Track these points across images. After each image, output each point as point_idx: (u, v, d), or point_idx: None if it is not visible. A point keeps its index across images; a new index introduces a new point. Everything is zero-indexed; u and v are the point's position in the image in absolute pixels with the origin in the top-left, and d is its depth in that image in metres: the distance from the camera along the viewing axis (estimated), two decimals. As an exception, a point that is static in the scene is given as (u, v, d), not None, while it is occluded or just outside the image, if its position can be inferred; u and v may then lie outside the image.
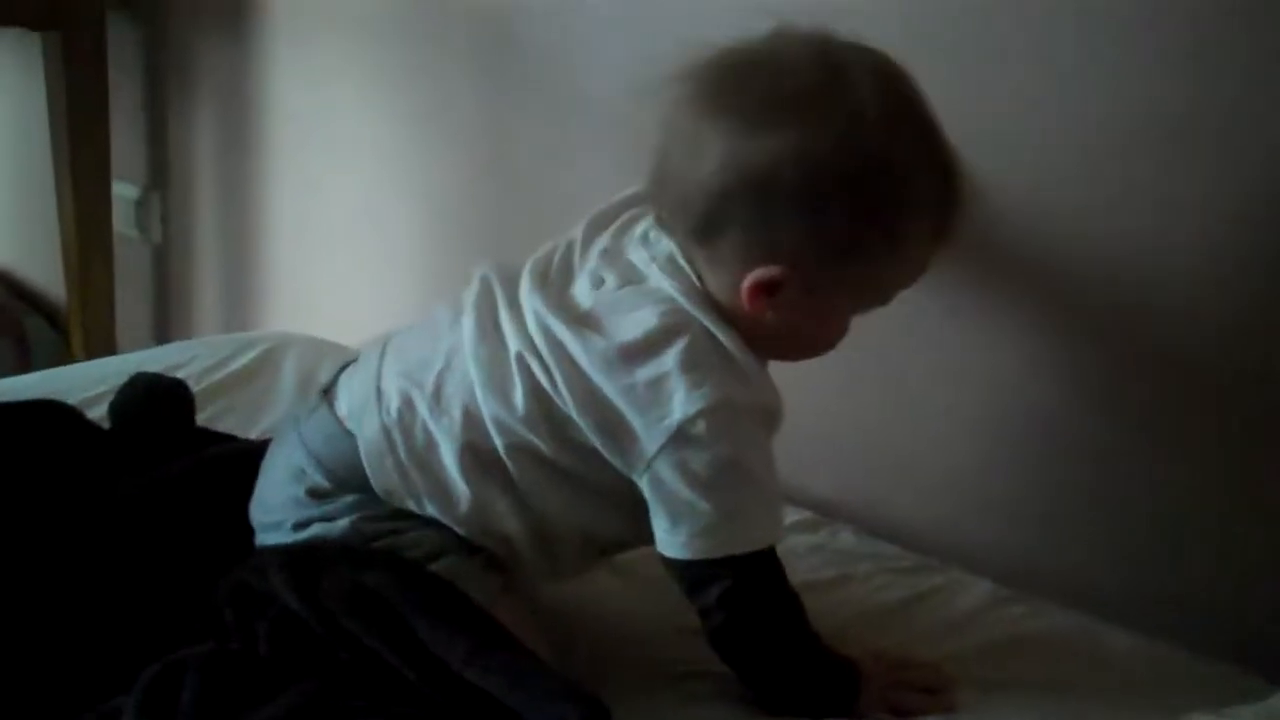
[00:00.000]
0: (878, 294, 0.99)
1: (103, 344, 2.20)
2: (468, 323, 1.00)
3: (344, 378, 1.05)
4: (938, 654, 1.09)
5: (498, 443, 0.95)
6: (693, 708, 1.00)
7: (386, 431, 0.98)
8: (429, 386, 0.98)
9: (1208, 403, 1.15)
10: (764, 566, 0.96)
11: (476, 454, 0.96)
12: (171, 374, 1.39)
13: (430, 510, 0.97)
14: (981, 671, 1.06)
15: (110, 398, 1.36)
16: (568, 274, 1.02)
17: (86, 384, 1.42)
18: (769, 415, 0.98)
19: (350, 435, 0.99)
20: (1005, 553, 1.29)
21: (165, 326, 2.30)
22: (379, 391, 1.00)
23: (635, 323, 0.94)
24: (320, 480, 1.00)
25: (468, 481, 0.96)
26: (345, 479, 0.99)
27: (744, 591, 0.95)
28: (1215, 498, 1.16)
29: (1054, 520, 1.26)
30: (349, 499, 0.98)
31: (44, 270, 2.47)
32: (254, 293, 2.12)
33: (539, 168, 1.59)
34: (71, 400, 1.27)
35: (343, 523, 0.98)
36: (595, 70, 1.53)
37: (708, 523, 0.92)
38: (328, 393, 1.05)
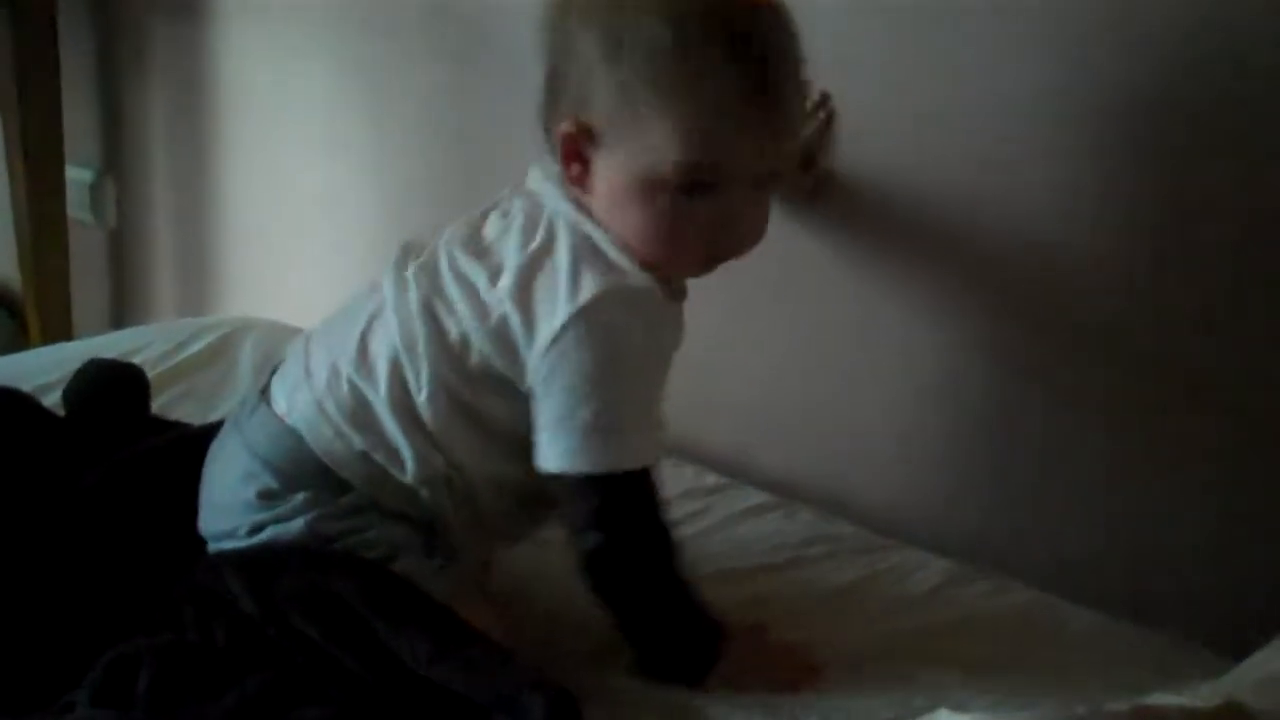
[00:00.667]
0: (675, 156, 0.94)
1: (59, 330, 2.17)
2: (386, 282, 1.03)
3: (276, 377, 1.06)
4: (890, 631, 1.10)
5: (416, 391, 0.98)
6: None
7: (318, 403, 1.00)
8: (352, 349, 1.01)
9: (1142, 373, 1.18)
10: (637, 489, 0.98)
11: (403, 405, 0.99)
12: (128, 359, 1.38)
13: (387, 468, 0.99)
14: (936, 648, 1.07)
15: (62, 385, 1.35)
16: (484, 215, 1.05)
17: (41, 370, 1.41)
18: (659, 327, 0.99)
19: (293, 431, 1.00)
20: (960, 524, 1.31)
21: (122, 312, 2.28)
22: (307, 372, 1.02)
23: (525, 237, 0.98)
24: (270, 481, 1.00)
25: (404, 433, 0.98)
26: (294, 476, 1.00)
27: (617, 512, 0.97)
28: (1156, 467, 1.19)
29: (1005, 489, 1.29)
30: (301, 497, 0.99)
31: (-3, 256, 2.45)
32: (211, 277, 2.10)
33: (496, 152, 1.59)
34: (27, 387, 1.26)
35: (298, 523, 0.98)
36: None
37: (583, 436, 0.94)
38: (265, 392, 1.05)
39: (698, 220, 0.96)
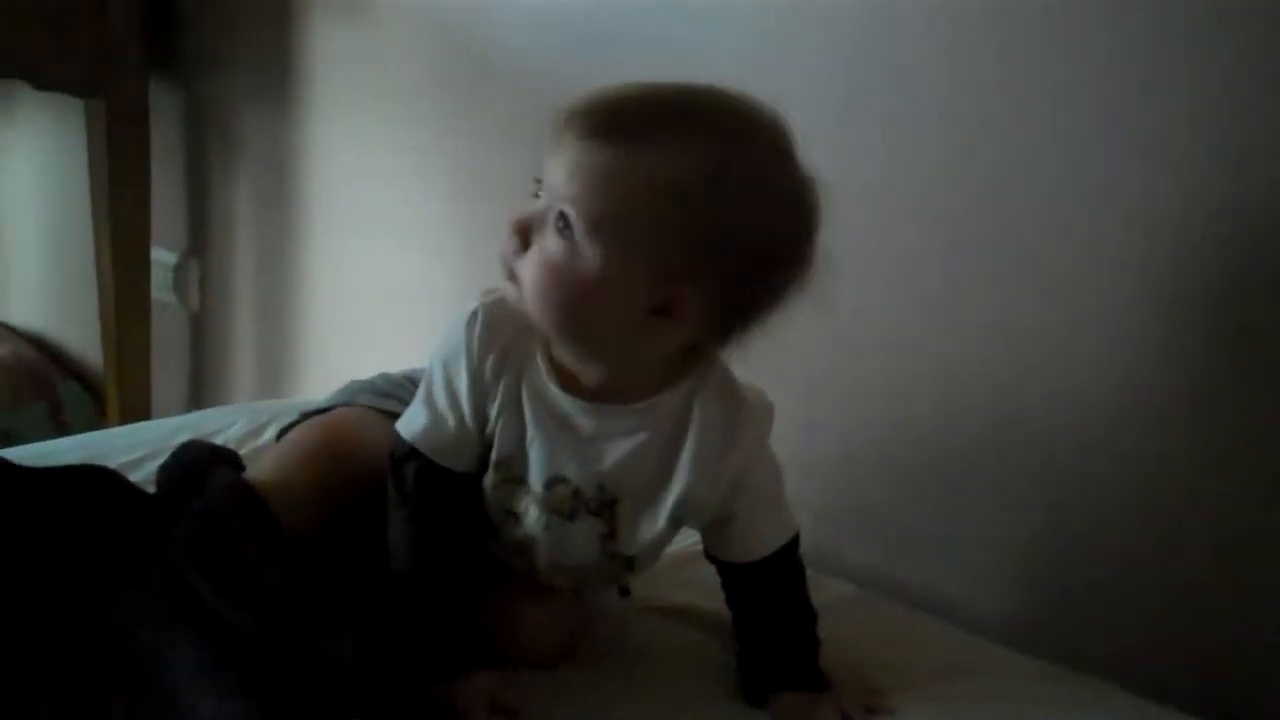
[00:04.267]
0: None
1: (138, 409, 2.20)
2: None
3: None
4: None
5: None
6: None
7: None
8: None
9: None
10: (403, 459, 1.06)
11: None
12: (210, 439, 1.38)
13: None
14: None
15: (148, 462, 1.35)
16: None
17: (125, 449, 1.41)
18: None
19: None
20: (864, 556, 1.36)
21: (200, 393, 2.30)
22: None
23: None
24: None
25: None
26: None
27: (390, 472, 1.06)
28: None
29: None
30: None
31: (79, 335, 2.48)
32: (289, 360, 2.11)
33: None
34: (109, 465, 1.26)
35: None
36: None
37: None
38: None
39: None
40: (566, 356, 1.01)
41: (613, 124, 0.92)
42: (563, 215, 0.92)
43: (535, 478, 1.04)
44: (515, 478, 1.05)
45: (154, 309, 2.20)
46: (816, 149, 0.95)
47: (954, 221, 1.30)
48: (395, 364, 1.85)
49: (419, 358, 1.82)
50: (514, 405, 1.03)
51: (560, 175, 0.92)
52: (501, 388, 1.03)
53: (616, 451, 1.03)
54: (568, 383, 1.02)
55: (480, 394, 1.03)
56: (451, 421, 1.04)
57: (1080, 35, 1.19)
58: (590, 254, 0.92)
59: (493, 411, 1.03)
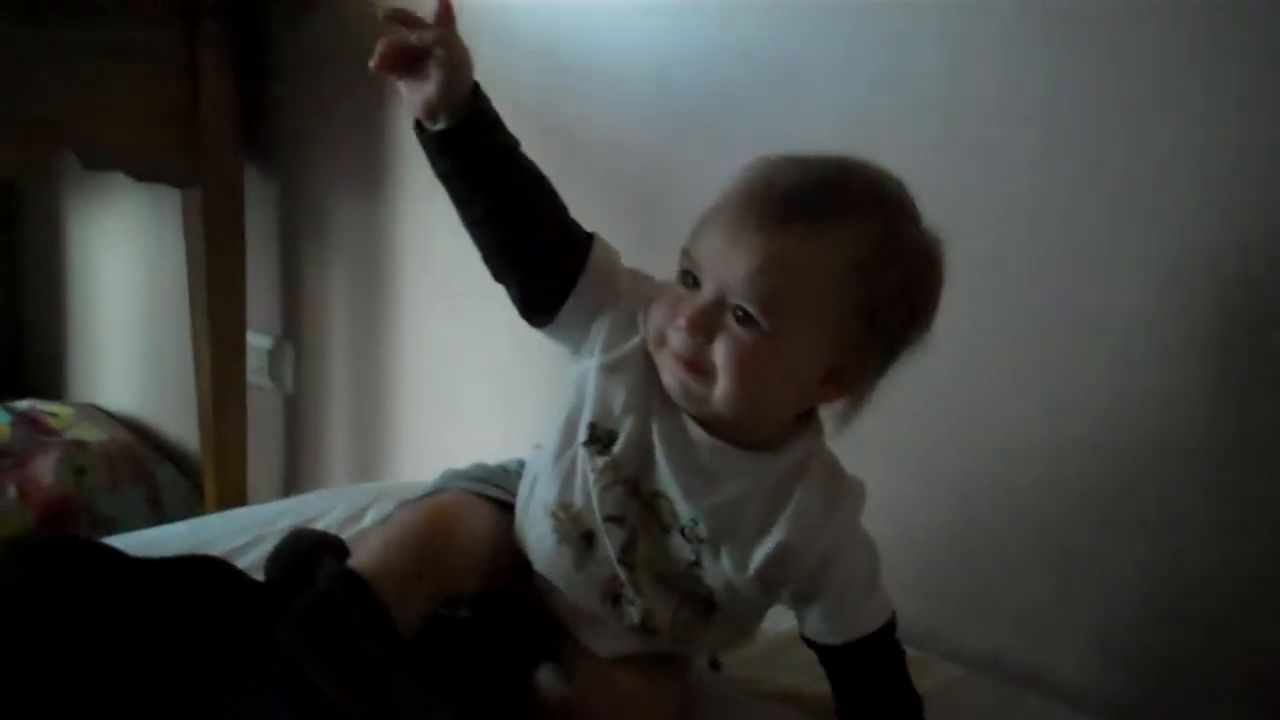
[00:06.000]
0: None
1: (234, 493, 2.22)
2: None
3: None
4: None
5: None
6: None
7: None
8: None
9: None
10: None
11: None
12: (311, 523, 1.39)
13: None
14: None
15: (253, 548, 1.37)
16: None
17: (229, 534, 1.43)
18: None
19: None
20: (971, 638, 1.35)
21: (294, 475, 2.32)
22: None
23: None
24: None
25: None
26: None
27: None
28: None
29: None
30: None
31: (175, 419, 2.52)
32: (383, 442, 2.13)
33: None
34: (214, 552, 1.27)
35: None
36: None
37: None
38: None
39: (671, 300, 1.00)
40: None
41: (789, 213, 0.96)
42: (743, 308, 0.96)
43: (645, 486, 1.06)
44: (626, 480, 1.06)
45: (249, 392, 2.23)
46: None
47: (1057, 295, 1.29)
48: (490, 443, 1.86)
49: (514, 437, 1.84)
50: (642, 411, 1.05)
51: (741, 269, 0.96)
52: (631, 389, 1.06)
53: (725, 491, 1.04)
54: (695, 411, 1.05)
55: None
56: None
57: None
58: (782, 338, 0.96)
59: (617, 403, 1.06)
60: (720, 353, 0.97)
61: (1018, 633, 1.36)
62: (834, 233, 0.96)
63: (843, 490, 1.06)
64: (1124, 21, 1.20)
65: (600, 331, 1.08)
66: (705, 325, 0.97)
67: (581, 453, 1.07)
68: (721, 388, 0.98)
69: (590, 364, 1.07)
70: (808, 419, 1.07)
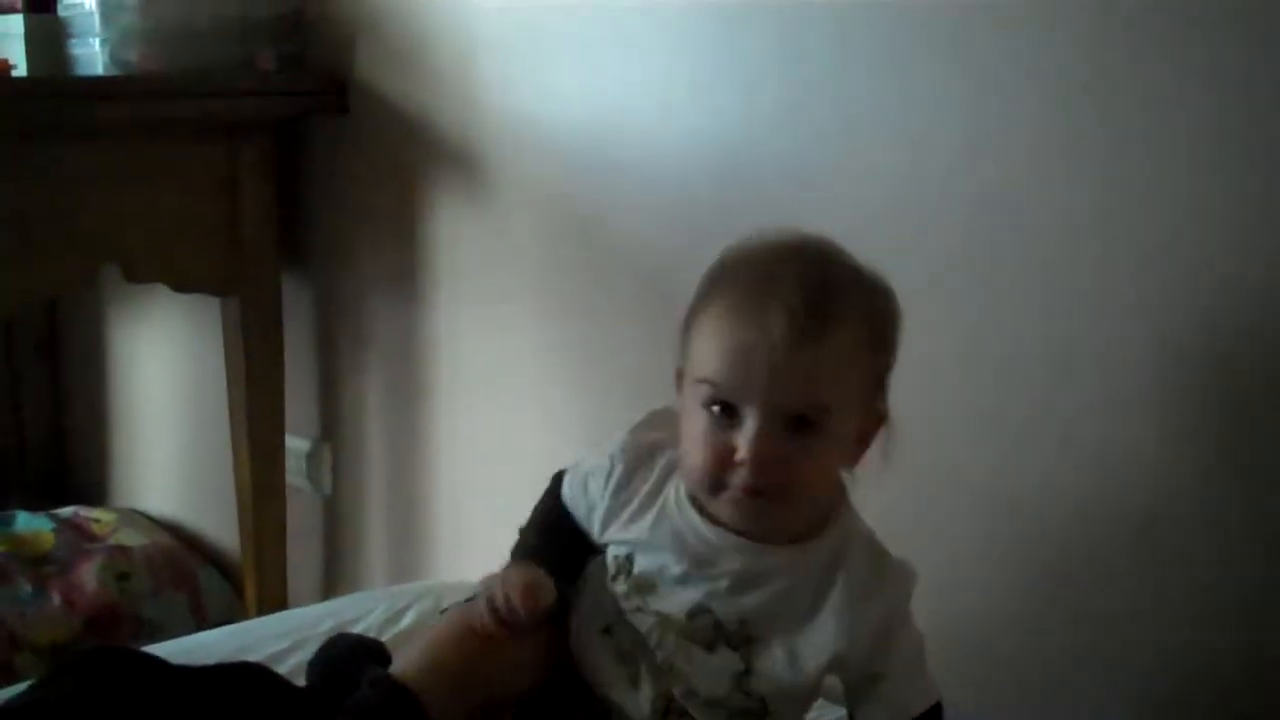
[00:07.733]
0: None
1: (275, 595, 2.24)
2: None
3: None
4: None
5: None
6: None
7: None
8: None
9: None
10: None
11: None
12: (351, 626, 1.41)
13: None
14: None
15: (295, 651, 1.38)
16: None
17: (271, 638, 1.45)
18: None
19: None
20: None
21: (334, 576, 2.34)
22: None
23: None
24: None
25: None
26: None
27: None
28: None
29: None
30: None
31: (215, 521, 2.54)
32: (423, 541, 2.15)
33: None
34: (255, 656, 1.30)
35: None
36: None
37: None
38: None
39: (714, 441, 1.02)
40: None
41: (816, 326, 1.00)
42: (804, 417, 1.01)
43: (676, 606, 1.08)
44: (647, 585, 1.09)
45: (288, 494, 2.26)
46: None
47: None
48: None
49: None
50: (659, 530, 1.09)
51: (793, 390, 1.01)
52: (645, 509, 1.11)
53: (765, 590, 1.06)
54: (712, 516, 1.07)
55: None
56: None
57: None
58: (835, 431, 1.03)
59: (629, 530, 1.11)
60: (796, 469, 1.02)
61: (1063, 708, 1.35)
62: (848, 323, 1.03)
63: (889, 566, 1.09)
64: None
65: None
66: (771, 456, 1.01)
67: (614, 588, 1.12)
68: (797, 497, 1.03)
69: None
70: (839, 501, 1.10)
